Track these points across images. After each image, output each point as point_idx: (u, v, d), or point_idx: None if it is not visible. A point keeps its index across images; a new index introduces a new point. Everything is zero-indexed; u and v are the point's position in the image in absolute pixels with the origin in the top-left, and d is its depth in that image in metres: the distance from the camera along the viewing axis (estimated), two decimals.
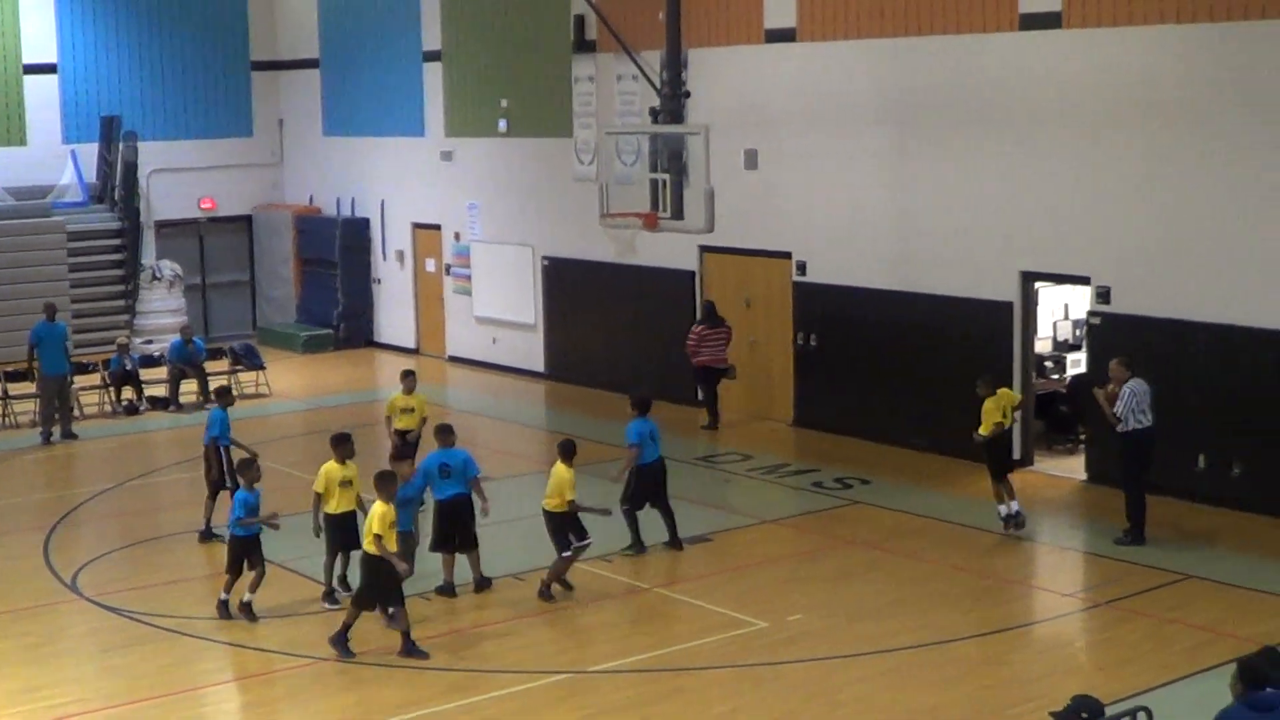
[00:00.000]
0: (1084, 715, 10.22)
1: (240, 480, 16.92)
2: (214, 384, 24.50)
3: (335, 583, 16.97)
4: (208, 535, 19.58)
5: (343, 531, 16.64)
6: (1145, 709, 11.16)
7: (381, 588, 15.23)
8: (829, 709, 13.87)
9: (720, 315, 25.48)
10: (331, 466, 16.70)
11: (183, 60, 35.55)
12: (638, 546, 18.46)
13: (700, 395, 25.69)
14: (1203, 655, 14.38)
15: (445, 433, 17.39)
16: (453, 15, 31.29)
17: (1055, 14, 20.88)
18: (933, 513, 19.78)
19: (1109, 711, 10.83)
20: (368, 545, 15.18)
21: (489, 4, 30.31)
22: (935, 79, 22.53)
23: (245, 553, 16.42)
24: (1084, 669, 14.73)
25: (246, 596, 16.36)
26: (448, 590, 17.02)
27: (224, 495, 18.94)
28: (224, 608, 16.44)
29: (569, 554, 16.88)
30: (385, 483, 15.47)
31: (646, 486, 18.51)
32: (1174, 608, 16.12)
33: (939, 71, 22.46)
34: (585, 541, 17.00)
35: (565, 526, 16.88)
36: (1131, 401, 18.12)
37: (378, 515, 15.06)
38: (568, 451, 16.99)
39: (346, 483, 16.62)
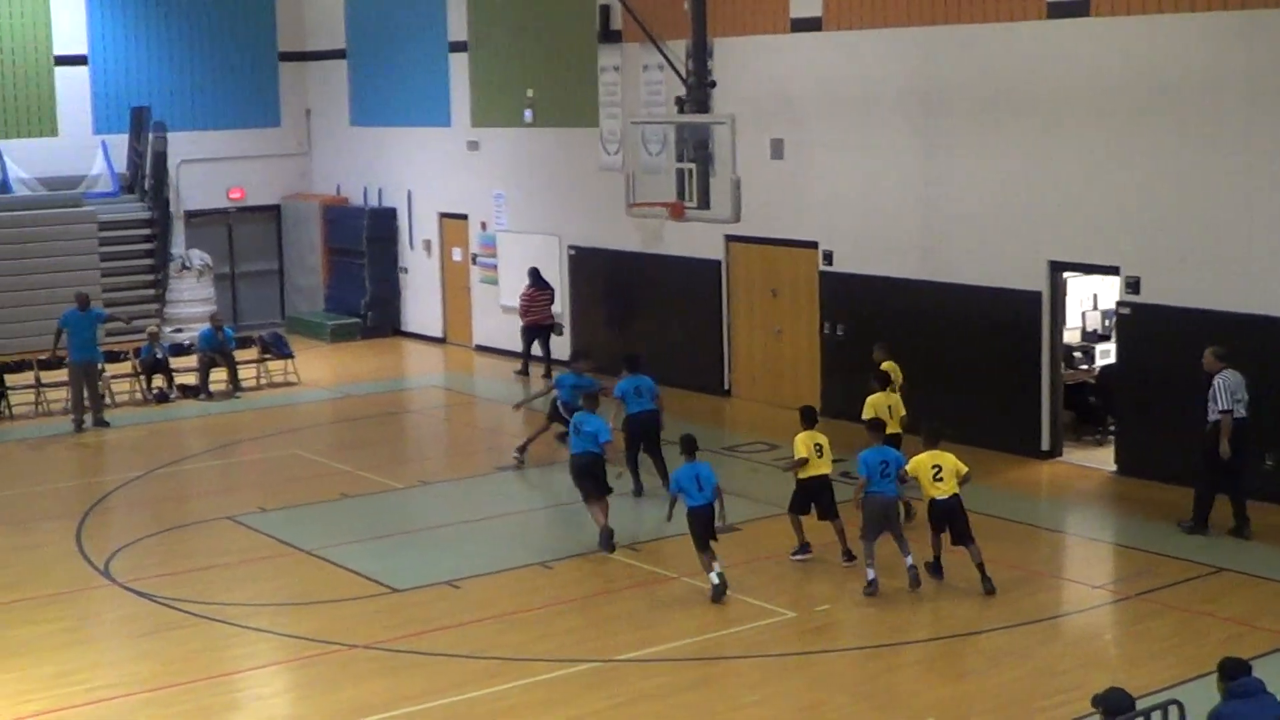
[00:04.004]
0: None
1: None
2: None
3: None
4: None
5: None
6: (1177, 703, 11.12)
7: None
8: (857, 699, 13.87)
9: (544, 279, 28.98)
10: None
11: (211, 51, 35.68)
12: (637, 490, 20.34)
13: (523, 349, 29.19)
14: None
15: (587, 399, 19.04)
16: (478, 6, 31.31)
17: (1083, 2, 20.81)
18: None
19: (1140, 705, 10.83)
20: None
21: None
22: (962, 68, 22.49)
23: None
24: (1113, 662, 14.68)
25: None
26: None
27: None
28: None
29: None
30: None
31: (635, 434, 20.42)
32: (1206, 600, 16.06)
33: (966, 60, 22.41)
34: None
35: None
36: (1225, 392, 17.86)
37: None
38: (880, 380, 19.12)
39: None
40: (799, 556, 17.59)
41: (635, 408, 20.55)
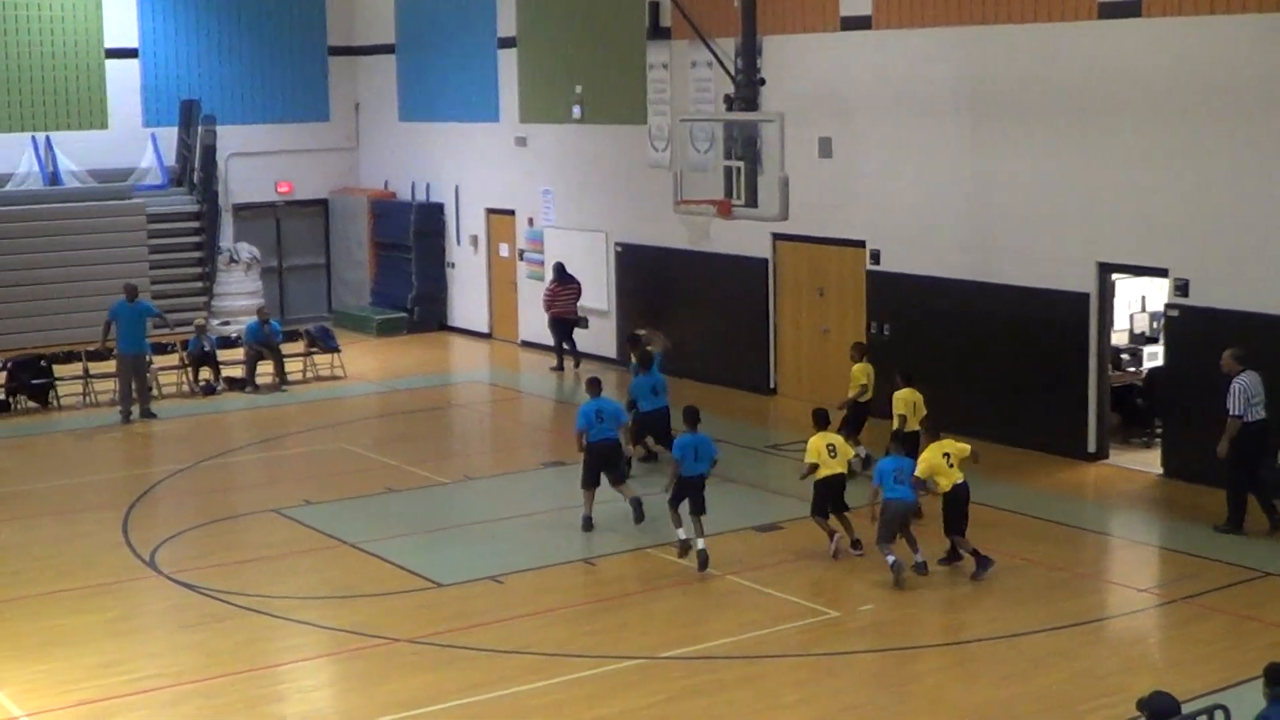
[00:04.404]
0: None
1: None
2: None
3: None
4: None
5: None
6: (1222, 707, 11.07)
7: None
8: (899, 700, 13.86)
9: (569, 274, 29.53)
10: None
11: (261, 45, 35.83)
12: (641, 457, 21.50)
13: (553, 342, 29.78)
14: None
15: (594, 385, 19.47)
16: (528, 2, 31.28)
17: (1135, 3, 20.69)
18: (1006, 505, 19.65)
19: (1185, 709, 10.77)
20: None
21: None
22: (1013, 68, 22.39)
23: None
24: (1158, 666, 14.61)
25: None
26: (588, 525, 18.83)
27: None
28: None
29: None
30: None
31: (645, 429, 21.30)
32: (1251, 605, 15.95)
33: (1016, 60, 22.31)
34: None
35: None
36: (1241, 396, 17.95)
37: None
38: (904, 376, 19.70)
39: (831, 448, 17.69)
40: (834, 547, 17.72)
41: (650, 405, 21.22)
